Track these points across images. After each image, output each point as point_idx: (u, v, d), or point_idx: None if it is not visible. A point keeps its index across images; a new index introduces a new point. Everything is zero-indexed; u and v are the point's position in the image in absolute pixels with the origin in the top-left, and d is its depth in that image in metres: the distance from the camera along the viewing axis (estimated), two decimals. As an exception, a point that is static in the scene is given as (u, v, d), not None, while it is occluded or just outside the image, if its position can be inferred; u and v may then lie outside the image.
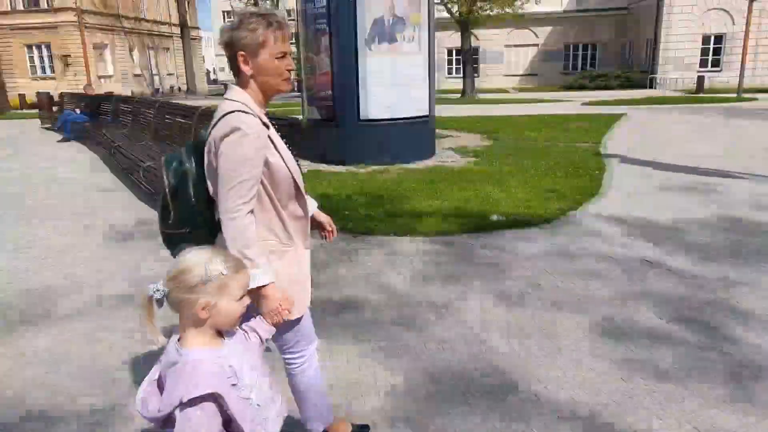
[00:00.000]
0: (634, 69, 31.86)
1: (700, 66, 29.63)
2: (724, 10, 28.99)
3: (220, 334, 1.42)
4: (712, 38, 29.50)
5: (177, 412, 1.25)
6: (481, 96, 26.50)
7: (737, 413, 2.39)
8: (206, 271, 1.32)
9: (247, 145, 1.65)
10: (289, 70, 1.77)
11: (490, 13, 25.58)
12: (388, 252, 4.63)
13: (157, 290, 1.32)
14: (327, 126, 8.82)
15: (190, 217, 1.79)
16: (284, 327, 1.84)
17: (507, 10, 25.45)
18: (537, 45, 36.01)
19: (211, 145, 1.71)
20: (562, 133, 12.06)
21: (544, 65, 35.82)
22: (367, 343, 3.09)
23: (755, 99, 20.85)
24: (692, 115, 15.50)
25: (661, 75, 29.82)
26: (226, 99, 1.75)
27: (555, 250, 4.58)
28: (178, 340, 1.37)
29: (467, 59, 27.63)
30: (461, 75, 29.07)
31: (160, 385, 1.37)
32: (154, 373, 1.41)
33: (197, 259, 1.34)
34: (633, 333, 3.13)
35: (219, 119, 1.70)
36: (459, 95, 26.90)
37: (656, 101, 20.45)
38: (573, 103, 20.91)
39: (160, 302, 1.34)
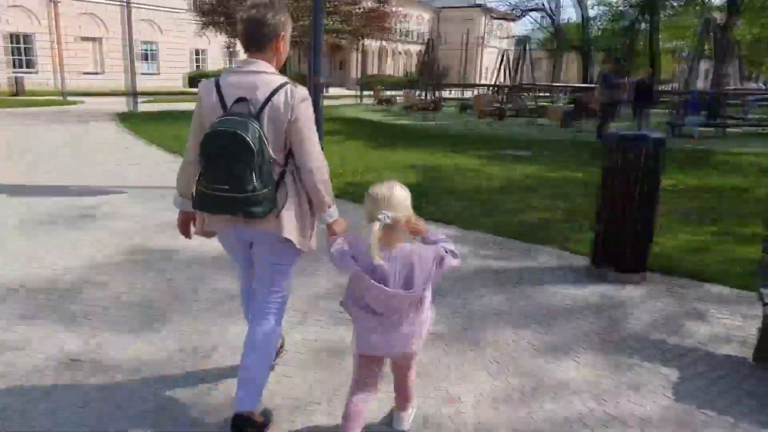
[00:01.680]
0: None
1: (15, 66, 27.06)
2: (26, 9, 27.17)
3: None
4: (22, 38, 27.41)
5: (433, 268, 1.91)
6: None
7: None
8: (409, 195, 1.92)
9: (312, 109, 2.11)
10: None
11: None
12: None
13: (388, 217, 1.80)
14: None
15: (269, 176, 1.97)
16: (289, 259, 2.18)
17: None
18: None
19: (280, 111, 1.97)
20: None
21: None
22: None
23: (82, 102, 20.78)
24: (49, 123, 13.72)
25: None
26: (266, 72, 2.01)
27: None
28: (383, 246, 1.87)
29: None
30: None
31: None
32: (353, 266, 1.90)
33: (400, 188, 1.89)
34: None
35: (278, 88, 1.98)
36: None
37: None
38: None
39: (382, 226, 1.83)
